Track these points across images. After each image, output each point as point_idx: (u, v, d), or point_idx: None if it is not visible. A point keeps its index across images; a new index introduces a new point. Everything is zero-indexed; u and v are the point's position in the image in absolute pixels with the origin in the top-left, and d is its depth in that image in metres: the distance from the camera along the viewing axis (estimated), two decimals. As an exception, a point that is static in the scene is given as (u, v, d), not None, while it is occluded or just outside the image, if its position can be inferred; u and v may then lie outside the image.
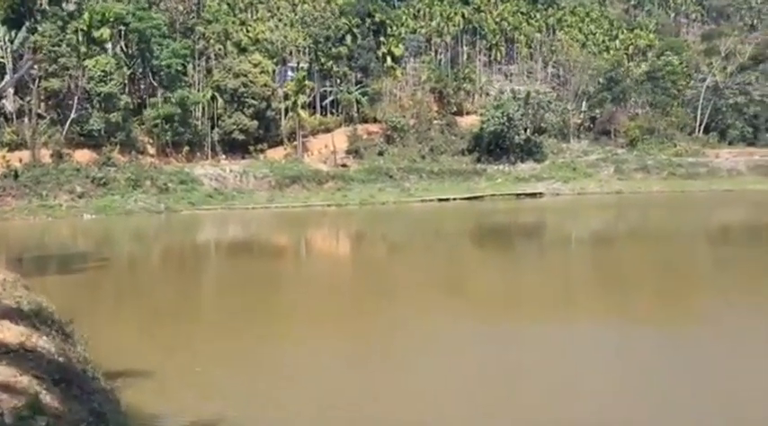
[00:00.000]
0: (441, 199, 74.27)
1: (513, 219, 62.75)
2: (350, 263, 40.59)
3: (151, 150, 78.30)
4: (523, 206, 72.10)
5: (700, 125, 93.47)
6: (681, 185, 79.70)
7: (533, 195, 77.63)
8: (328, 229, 61.57)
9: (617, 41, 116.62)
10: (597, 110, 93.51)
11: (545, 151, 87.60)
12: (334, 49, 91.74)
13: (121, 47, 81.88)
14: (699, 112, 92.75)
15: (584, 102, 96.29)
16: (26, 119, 70.57)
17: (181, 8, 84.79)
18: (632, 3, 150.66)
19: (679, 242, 44.42)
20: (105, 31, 76.82)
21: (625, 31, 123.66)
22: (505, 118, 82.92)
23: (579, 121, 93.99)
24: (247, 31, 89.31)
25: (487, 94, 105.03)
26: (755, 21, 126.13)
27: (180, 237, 55.04)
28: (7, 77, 28.27)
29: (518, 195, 77.19)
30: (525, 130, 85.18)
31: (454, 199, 74.51)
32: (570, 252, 42.20)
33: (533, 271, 34.44)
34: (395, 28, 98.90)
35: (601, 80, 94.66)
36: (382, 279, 32.81)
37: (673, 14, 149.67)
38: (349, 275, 35.44)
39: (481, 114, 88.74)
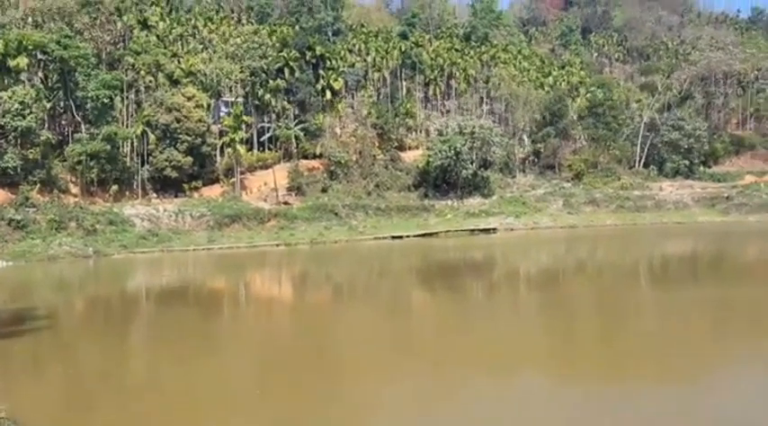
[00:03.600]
0: (394, 237, 70.92)
1: (469, 257, 60.34)
2: (293, 315, 36.35)
3: (74, 189, 71.66)
4: (478, 242, 69.76)
5: (639, 159, 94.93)
6: (632, 218, 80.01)
7: (487, 231, 75.54)
8: (277, 271, 56.89)
9: (550, 78, 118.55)
10: (540, 145, 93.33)
11: (492, 186, 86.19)
12: (271, 83, 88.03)
13: (41, 77, 75.25)
14: (638, 147, 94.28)
15: (525, 137, 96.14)
16: (-70, 156, 62.87)
17: (107, 38, 79.09)
18: (557, 42, 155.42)
19: (649, 277, 43.19)
20: (22, 60, 70.35)
21: (556, 69, 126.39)
22: (453, 152, 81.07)
23: (523, 156, 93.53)
24: (179, 63, 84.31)
25: (427, 130, 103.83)
26: (674, 60, 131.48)
27: (110, 286, 49.11)
28: None
29: (472, 231, 74.88)
30: (472, 164, 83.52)
31: (407, 236, 71.39)
32: (531, 294, 39.56)
33: (484, 319, 31.75)
34: (334, 61, 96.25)
35: (543, 115, 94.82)
36: (324, 337, 29.07)
37: (595, 54, 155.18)
38: (289, 331, 31.25)
39: (427, 148, 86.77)
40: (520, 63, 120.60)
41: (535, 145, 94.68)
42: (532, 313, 33.04)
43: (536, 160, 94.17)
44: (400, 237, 71.22)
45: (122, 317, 36.43)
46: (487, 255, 62.07)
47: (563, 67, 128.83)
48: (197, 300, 41.67)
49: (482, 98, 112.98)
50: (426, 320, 32.29)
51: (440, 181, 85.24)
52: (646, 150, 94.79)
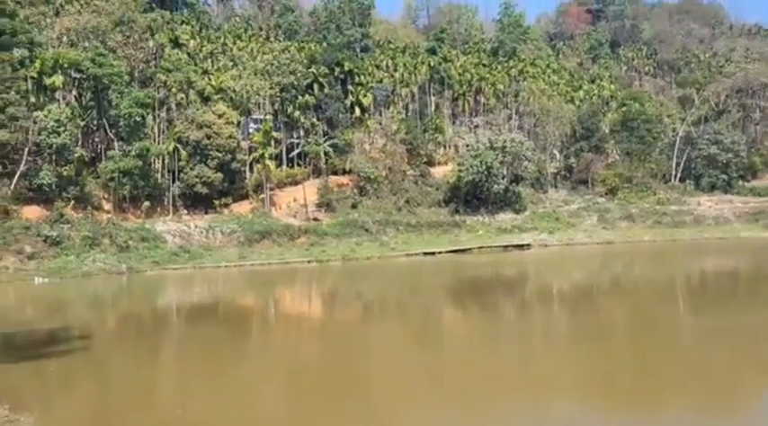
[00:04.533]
0: (426, 253, 69.95)
1: (503, 273, 59.04)
2: (324, 334, 35.43)
3: (107, 206, 72.00)
4: (512, 258, 68.51)
5: (675, 174, 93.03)
6: (670, 234, 78.10)
7: (521, 247, 74.25)
8: (309, 289, 56.22)
9: (580, 92, 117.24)
10: (572, 160, 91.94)
11: (524, 201, 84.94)
12: (300, 99, 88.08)
13: (75, 96, 76.09)
14: (674, 161, 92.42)
15: (556, 151, 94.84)
16: (-32, 174, 63.59)
17: (140, 56, 79.78)
18: (585, 56, 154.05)
19: (693, 297, 41.58)
20: (58, 79, 71.29)
21: (586, 83, 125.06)
22: (484, 167, 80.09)
23: (555, 171, 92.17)
24: (210, 80, 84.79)
25: (455, 146, 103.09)
26: (707, 73, 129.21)
27: (143, 303, 48.81)
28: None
29: (505, 247, 73.65)
30: (503, 179, 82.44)
31: (440, 252, 70.35)
32: (566, 315, 37.92)
33: (516, 341, 30.47)
34: (362, 77, 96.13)
35: (574, 129, 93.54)
36: (353, 358, 28.16)
37: (624, 68, 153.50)
38: (319, 352, 30.29)
39: (458, 163, 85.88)
40: (549, 77, 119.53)
41: (567, 159, 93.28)
42: (566, 334, 31.74)
43: (568, 175, 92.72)
44: (432, 254, 70.22)
45: (154, 336, 36.03)
46: (522, 272, 60.79)
47: (593, 81, 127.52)
48: (228, 318, 41.20)
49: (510, 113, 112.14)
50: (457, 342, 31.22)
51: (470, 196, 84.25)
52: (682, 164, 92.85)
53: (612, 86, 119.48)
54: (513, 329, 33.68)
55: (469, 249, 72.35)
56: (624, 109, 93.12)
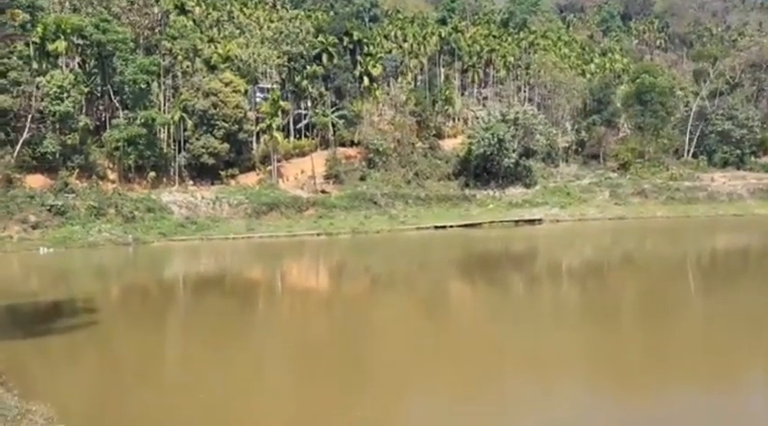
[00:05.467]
0: (437, 227, 68.80)
1: (515, 248, 58.05)
2: (332, 307, 34.51)
3: (112, 175, 70.76)
4: (523, 233, 67.42)
5: (688, 149, 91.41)
6: (683, 210, 76.83)
7: (532, 221, 73.04)
8: (318, 262, 55.20)
9: (592, 65, 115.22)
10: (584, 134, 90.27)
11: (535, 175, 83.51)
12: (309, 69, 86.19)
13: (78, 62, 74.31)
14: (687, 136, 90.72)
15: (568, 125, 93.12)
16: (-30, 141, 62.26)
17: (145, 22, 77.76)
18: (597, 29, 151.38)
19: (710, 274, 40.45)
20: (61, 44, 69.41)
21: (598, 56, 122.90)
22: (495, 140, 78.52)
23: (566, 145, 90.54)
24: (216, 48, 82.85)
25: (465, 118, 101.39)
26: (720, 46, 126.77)
27: (150, 274, 47.84)
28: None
29: (516, 222, 72.44)
30: (514, 153, 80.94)
31: (451, 226, 69.17)
32: (579, 291, 36.70)
33: (527, 320, 29.08)
34: (371, 47, 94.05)
35: (586, 102, 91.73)
36: (358, 331, 27.17)
37: (635, 41, 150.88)
38: (325, 325, 29.47)
39: (469, 136, 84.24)
40: (560, 49, 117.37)
41: (578, 133, 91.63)
42: (574, 311, 30.79)
43: (579, 149, 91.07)
44: (443, 227, 69.09)
45: (160, 307, 35.20)
46: (533, 247, 59.80)
47: (604, 54, 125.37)
48: (235, 290, 40.30)
49: (520, 85, 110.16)
50: (464, 318, 30.26)
51: (480, 170, 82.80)
52: (695, 140, 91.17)
53: (625, 59, 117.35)
54: (522, 305, 32.72)
55: (480, 223, 71.18)
56: (638, 81, 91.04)
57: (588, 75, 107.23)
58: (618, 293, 34.89)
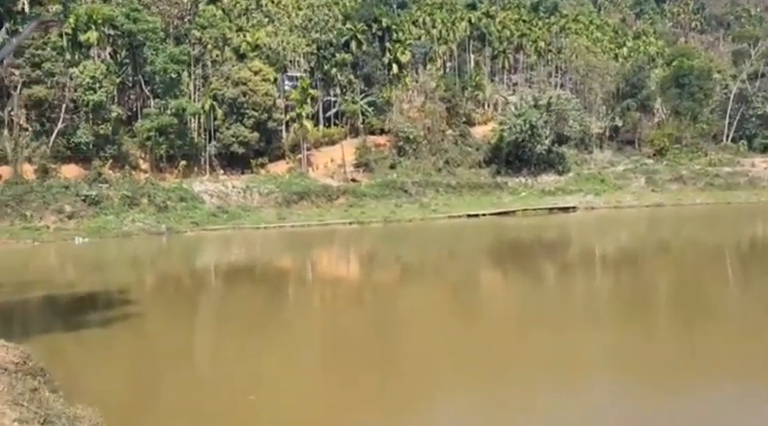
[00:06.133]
0: (469, 215, 67.98)
1: (550, 237, 56.71)
2: (364, 297, 33.85)
3: (144, 165, 71.16)
4: (557, 221, 66.18)
5: (727, 134, 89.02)
6: (724, 196, 74.75)
7: (566, 209, 71.80)
8: (351, 251, 54.69)
9: (624, 49, 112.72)
10: (618, 119, 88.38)
11: (568, 162, 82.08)
12: (337, 56, 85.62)
13: (110, 53, 74.68)
14: (726, 120, 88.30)
15: (603, 109, 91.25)
16: (6, 131, 62.90)
17: (175, 12, 77.88)
18: (629, 12, 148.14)
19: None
20: (92, 35, 69.76)
21: (631, 39, 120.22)
22: (528, 126, 77.27)
23: (600, 131, 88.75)
24: (245, 37, 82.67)
25: (495, 105, 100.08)
26: (758, 27, 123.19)
27: (184, 264, 47.73)
28: (2, 51, 21.63)
29: (550, 209, 71.27)
30: (546, 139, 79.58)
31: (483, 214, 68.28)
32: (615, 283, 35.00)
33: (559, 312, 27.64)
34: (401, 34, 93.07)
35: (619, 87, 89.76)
36: (388, 322, 26.43)
37: (669, 23, 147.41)
38: (356, 316, 28.79)
39: (500, 122, 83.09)
40: (592, 33, 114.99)
41: (612, 119, 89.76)
42: (607, 303, 29.53)
43: (614, 135, 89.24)
44: (476, 216, 68.19)
45: (195, 297, 35.02)
46: (569, 235, 58.60)
47: (637, 37, 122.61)
48: (267, 280, 39.92)
49: (551, 71, 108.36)
50: (495, 309, 29.38)
51: (512, 157, 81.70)
52: (735, 124, 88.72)
53: (659, 42, 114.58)
54: (554, 295, 31.69)
55: (513, 211, 70.15)
56: (674, 64, 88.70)
57: (621, 59, 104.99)
58: (654, 284, 33.71)
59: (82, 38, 69.43)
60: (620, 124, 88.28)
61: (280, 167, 78.31)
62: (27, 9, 67.63)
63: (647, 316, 25.63)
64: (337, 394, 17.67)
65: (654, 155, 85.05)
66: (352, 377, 18.97)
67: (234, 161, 76.22)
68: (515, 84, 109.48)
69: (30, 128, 64.49)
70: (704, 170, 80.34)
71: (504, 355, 20.66)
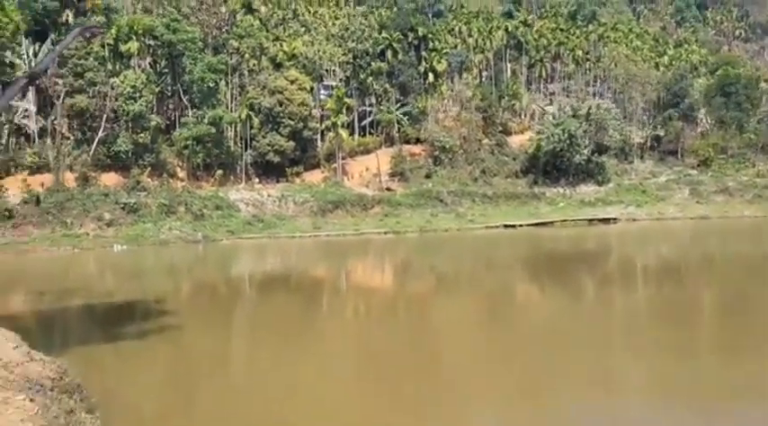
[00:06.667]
0: (507, 226, 66.89)
1: (591, 249, 55.16)
2: (397, 309, 33.03)
3: (181, 173, 71.75)
4: (598, 233, 64.65)
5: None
6: (774, 209, 72.36)
7: (606, 221, 70.20)
8: (387, 261, 54.04)
9: (665, 57, 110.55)
10: (660, 129, 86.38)
11: (607, 172, 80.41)
12: (373, 65, 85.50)
13: (149, 62, 75.74)
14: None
15: (643, 119, 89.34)
16: (49, 140, 64.05)
17: (213, 22, 78.71)
18: (669, 20, 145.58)
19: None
20: (133, 45, 70.91)
21: (671, 47, 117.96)
22: (566, 135, 75.94)
23: (641, 140, 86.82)
24: (282, 46, 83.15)
25: (531, 114, 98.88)
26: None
27: (219, 272, 47.62)
28: (47, 58, 21.67)
29: (590, 221, 69.74)
30: (585, 149, 78.12)
31: (521, 225, 67.15)
32: (661, 301, 33.12)
33: (598, 330, 26.14)
34: (437, 43, 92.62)
35: (661, 96, 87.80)
36: (430, 343, 25.45)
37: (712, 32, 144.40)
38: (388, 326, 28.08)
39: (538, 132, 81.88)
40: (631, 42, 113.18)
41: (654, 129, 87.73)
42: (647, 320, 28.09)
43: (655, 145, 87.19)
44: (513, 226, 67.07)
45: (231, 308, 34.69)
46: (611, 247, 57.06)
47: (679, 46, 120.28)
48: (302, 289, 39.50)
49: (589, 80, 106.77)
50: (530, 323, 28.24)
51: (550, 167, 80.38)
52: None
53: (702, 51, 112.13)
54: (593, 311, 30.41)
55: (552, 222, 68.83)
56: (719, 73, 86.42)
57: (662, 68, 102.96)
58: (699, 301, 32.09)
59: (123, 48, 70.58)
60: (661, 134, 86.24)
61: (315, 176, 78.29)
62: (71, 20, 69.27)
63: (691, 336, 24.41)
64: (371, 405, 17.24)
65: (698, 165, 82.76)
66: (387, 388, 18.50)
67: (269, 170, 76.45)
68: (552, 94, 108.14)
69: (71, 137, 65.55)
70: (752, 181, 77.81)
71: (540, 372, 19.81)
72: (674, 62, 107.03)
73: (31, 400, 8.37)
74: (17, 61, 60.31)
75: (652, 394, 17.52)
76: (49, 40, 63.59)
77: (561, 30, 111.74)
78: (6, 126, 61.72)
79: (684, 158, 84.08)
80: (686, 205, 74.34)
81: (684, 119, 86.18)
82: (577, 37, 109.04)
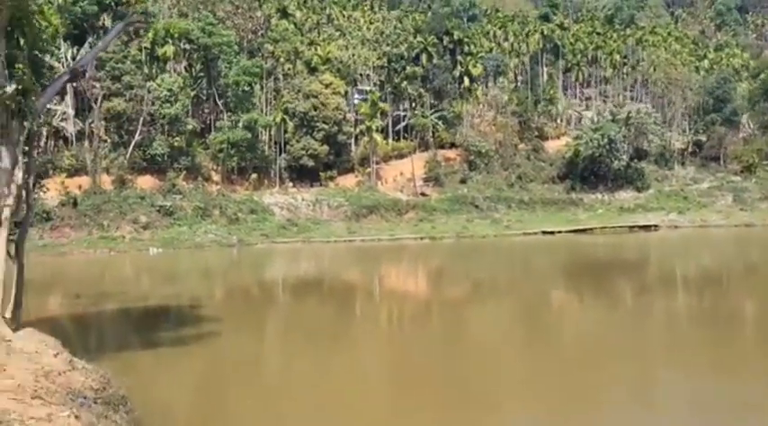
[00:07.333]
0: (545, 232, 65.41)
1: (635, 258, 53.21)
2: (432, 316, 31.92)
3: (215, 177, 71.72)
4: (639, 240, 62.79)
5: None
6: (824, 217, 69.67)
7: (647, 228, 68.27)
8: (425, 268, 52.88)
9: (705, 61, 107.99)
10: (701, 134, 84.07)
11: (647, 178, 78.42)
12: (408, 69, 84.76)
13: (185, 66, 76.06)
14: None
15: (685, 124, 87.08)
16: (87, 143, 64.53)
17: (249, 26, 78.86)
18: (708, 23, 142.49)
19: None
20: (169, 49, 71.15)
21: (712, 51, 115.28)
22: (606, 140, 74.23)
23: (682, 146, 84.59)
24: (317, 51, 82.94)
25: (568, 119, 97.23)
26: None
27: (253, 276, 47.03)
28: (89, 54, 21.32)
29: (631, 228, 67.88)
30: (624, 155, 76.29)
31: (559, 232, 65.59)
32: (708, 315, 31.22)
33: (642, 347, 24.05)
34: (472, 47, 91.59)
35: (702, 100, 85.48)
36: (463, 353, 24.25)
37: (753, 35, 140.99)
38: (423, 333, 27.08)
39: (576, 137, 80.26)
40: (670, 46, 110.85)
41: (695, 134, 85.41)
42: (693, 335, 26.31)
43: (697, 150, 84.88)
44: (552, 233, 65.52)
45: (265, 313, 34.04)
46: (655, 256, 55.17)
47: (719, 50, 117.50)
48: (339, 295, 38.69)
49: (626, 85, 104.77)
50: (568, 336, 26.92)
51: (588, 172, 78.68)
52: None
53: (744, 55, 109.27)
54: (634, 323, 28.64)
55: (591, 229, 67.13)
56: (762, 77, 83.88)
57: (702, 73, 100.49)
58: (743, 317, 30.31)
59: (159, 52, 70.93)
60: (703, 139, 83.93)
61: (349, 180, 77.76)
62: (109, 24, 69.82)
63: (733, 352, 22.86)
64: (401, 411, 16.51)
65: (741, 171, 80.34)
66: (418, 395, 17.76)
67: (303, 174, 76.12)
68: (588, 99, 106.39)
69: (108, 140, 65.96)
70: (798, 188, 75.43)
71: (576, 385, 18.70)
72: (714, 66, 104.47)
73: (77, 417, 7.66)
74: (56, 64, 60.79)
75: (691, 411, 16.31)
76: (87, 44, 64.08)
77: (598, 33, 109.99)
78: (45, 128, 62.28)
79: (727, 164, 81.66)
80: (729, 212, 71.99)
81: (727, 124, 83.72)
82: (615, 41, 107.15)
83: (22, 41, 15.03)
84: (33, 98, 13.62)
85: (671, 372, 19.79)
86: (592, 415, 16.20)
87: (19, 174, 13.87)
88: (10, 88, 12.99)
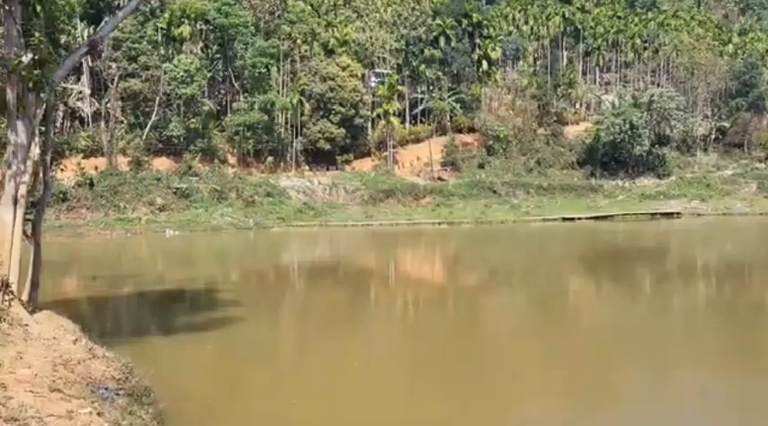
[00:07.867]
0: (565, 219, 64.35)
1: (658, 246, 51.98)
2: (451, 302, 31.20)
3: (231, 159, 71.20)
4: (662, 228, 61.53)
5: None
6: None
7: (669, 215, 67.00)
8: (445, 254, 51.98)
9: (730, 46, 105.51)
10: (725, 120, 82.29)
11: (669, 165, 76.93)
12: (426, 52, 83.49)
13: (201, 47, 75.27)
14: None
15: (708, 110, 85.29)
16: (103, 123, 64.11)
17: (265, 7, 77.85)
18: (732, 7, 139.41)
19: None
20: (185, 29, 70.39)
21: (736, 35, 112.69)
22: (627, 126, 72.76)
23: (705, 132, 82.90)
24: (334, 32, 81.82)
25: (587, 104, 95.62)
26: None
27: (270, 260, 46.38)
28: (107, 25, 20.59)
29: (652, 215, 66.63)
30: (646, 140, 74.79)
31: (579, 218, 64.52)
32: (731, 308, 29.98)
33: (661, 339, 23.15)
34: (491, 30, 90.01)
35: (727, 85, 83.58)
36: (478, 339, 23.61)
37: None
38: (441, 320, 26.35)
39: (597, 122, 78.82)
40: (693, 29, 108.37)
41: (719, 120, 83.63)
42: (715, 327, 25.30)
43: (720, 137, 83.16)
44: (572, 219, 64.43)
45: (279, 296, 33.38)
46: (679, 244, 53.86)
47: (743, 34, 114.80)
48: (359, 281, 37.97)
49: (647, 69, 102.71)
50: (589, 329, 25.91)
51: (608, 158, 77.33)
52: None
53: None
54: (656, 315, 27.59)
55: (612, 216, 65.96)
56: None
57: (726, 57, 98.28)
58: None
59: (175, 32, 70.19)
60: (727, 125, 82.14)
61: (365, 164, 76.97)
62: (124, 3, 69.09)
63: (759, 344, 21.88)
64: (416, 395, 15.99)
65: (766, 158, 78.66)
66: (432, 380, 17.14)
67: (319, 157, 75.40)
68: (608, 83, 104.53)
69: (124, 121, 65.52)
70: (825, 176, 73.73)
71: (593, 377, 17.91)
72: (738, 50, 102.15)
73: (99, 414, 7.01)
74: (72, 44, 60.25)
75: (708, 406, 15.43)
76: (103, 23, 63.39)
77: (619, 17, 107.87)
78: (62, 108, 61.92)
79: (751, 151, 79.99)
80: (754, 200, 70.55)
81: (753, 110, 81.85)
82: (636, 24, 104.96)
83: (38, 9, 14.31)
84: (51, 68, 12.91)
85: (689, 366, 18.94)
86: (608, 408, 15.52)
87: (35, 150, 13.23)
88: (26, 58, 12.30)
